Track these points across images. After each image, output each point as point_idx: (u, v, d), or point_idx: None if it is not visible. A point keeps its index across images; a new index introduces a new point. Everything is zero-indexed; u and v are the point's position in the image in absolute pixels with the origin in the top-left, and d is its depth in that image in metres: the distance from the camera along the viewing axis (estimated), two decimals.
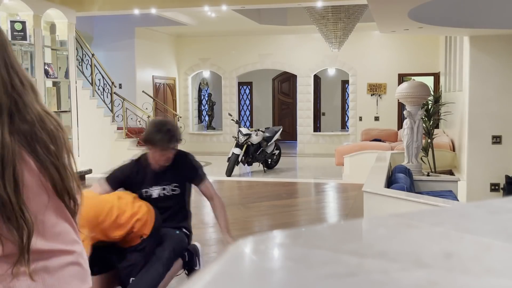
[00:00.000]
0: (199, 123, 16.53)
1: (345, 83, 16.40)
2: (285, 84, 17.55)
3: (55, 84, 8.76)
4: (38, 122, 1.31)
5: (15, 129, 1.28)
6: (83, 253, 1.45)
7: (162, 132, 3.10)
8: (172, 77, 14.82)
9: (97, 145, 10.31)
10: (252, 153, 11.01)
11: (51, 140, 1.32)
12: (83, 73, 10.86)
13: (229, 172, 10.50)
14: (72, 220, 1.41)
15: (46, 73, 8.35)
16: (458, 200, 6.28)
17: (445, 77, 11.73)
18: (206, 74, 16.44)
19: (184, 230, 3.36)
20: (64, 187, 1.35)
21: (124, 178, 3.23)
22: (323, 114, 17.34)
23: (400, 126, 11.22)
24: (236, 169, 10.95)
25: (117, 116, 11.17)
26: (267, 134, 11.42)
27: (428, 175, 7.11)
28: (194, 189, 3.46)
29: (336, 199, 8.05)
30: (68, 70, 9.01)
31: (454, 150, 9.52)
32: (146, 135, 3.20)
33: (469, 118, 8.31)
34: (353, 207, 6.80)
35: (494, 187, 8.39)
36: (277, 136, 11.63)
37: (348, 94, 15.26)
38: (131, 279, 2.97)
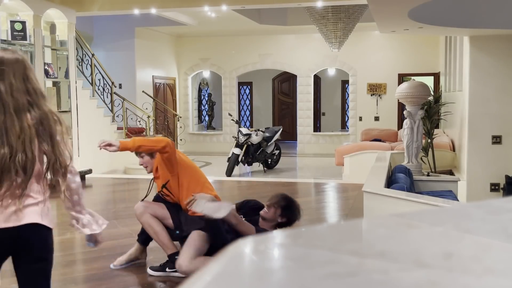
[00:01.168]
0: (199, 123, 16.52)
1: (345, 83, 16.39)
2: (285, 84, 17.54)
3: (55, 84, 8.76)
4: (43, 117, 2.13)
5: (30, 120, 2.10)
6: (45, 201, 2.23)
7: (295, 219, 4.32)
8: (172, 77, 14.81)
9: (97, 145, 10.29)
10: (252, 153, 11.00)
11: (50, 126, 2.14)
12: (83, 73, 10.84)
13: (229, 172, 10.50)
14: (44, 181, 2.20)
15: (46, 73, 8.34)
16: (458, 200, 6.28)
17: (445, 77, 11.72)
18: (206, 74, 16.43)
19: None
20: (54, 158, 2.15)
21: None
22: (323, 114, 17.32)
23: (400, 126, 11.22)
24: (236, 169, 10.94)
25: (117, 116, 11.16)
26: (267, 134, 11.42)
27: (428, 175, 7.11)
28: None
29: (336, 199, 8.04)
30: (68, 70, 9.00)
31: (454, 150, 9.51)
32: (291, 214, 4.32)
33: (469, 118, 8.30)
34: (353, 207, 6.79)
35: (494, 187, 8.39)
36: (277, 136, 11.63)
37: (348, 94, 15.25)
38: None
